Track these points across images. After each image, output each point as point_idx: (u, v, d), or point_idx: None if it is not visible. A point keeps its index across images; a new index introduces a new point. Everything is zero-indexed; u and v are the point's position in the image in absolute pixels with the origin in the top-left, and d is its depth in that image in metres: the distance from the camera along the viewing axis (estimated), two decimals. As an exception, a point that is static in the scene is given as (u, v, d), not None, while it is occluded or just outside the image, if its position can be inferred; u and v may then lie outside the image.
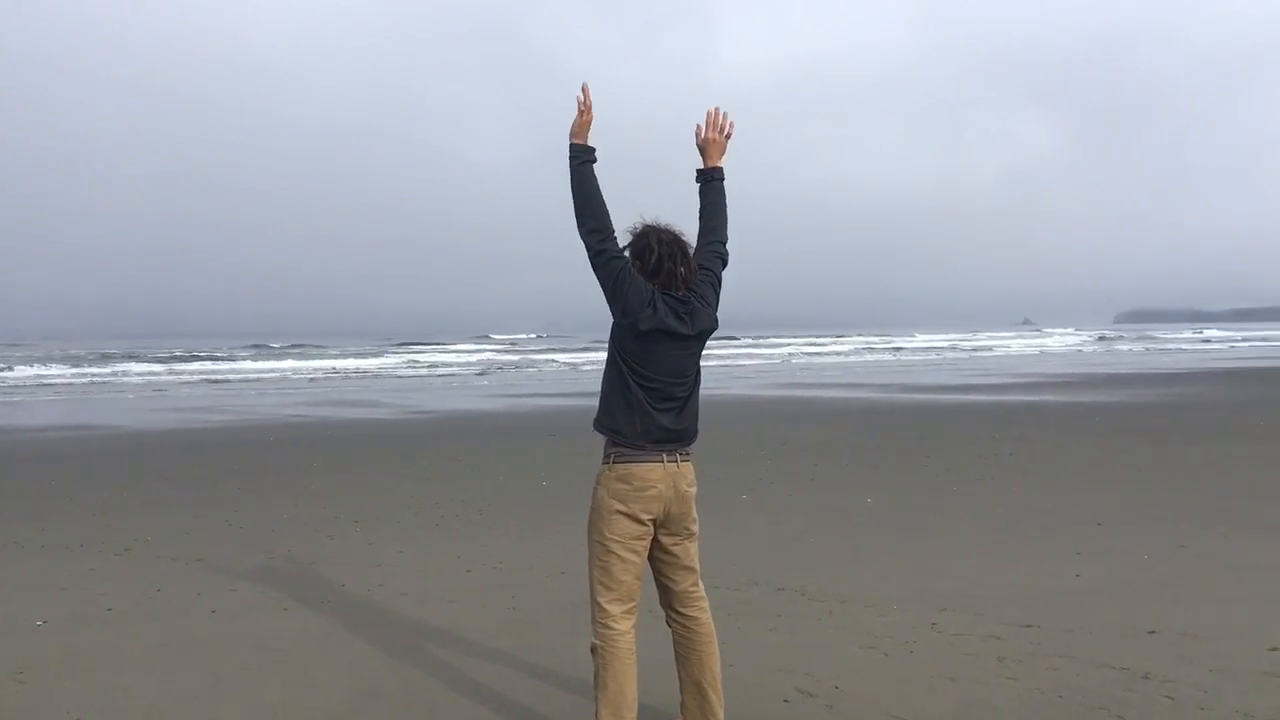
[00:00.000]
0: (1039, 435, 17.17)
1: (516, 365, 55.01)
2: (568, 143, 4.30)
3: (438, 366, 53.24)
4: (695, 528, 4.39)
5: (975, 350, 71.16)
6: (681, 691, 4.50)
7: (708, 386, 34.96)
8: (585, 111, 4.30)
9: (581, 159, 4.28)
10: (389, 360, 57.52)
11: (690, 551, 4.41)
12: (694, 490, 4.32)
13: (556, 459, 15.23)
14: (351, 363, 55.25)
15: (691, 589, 4.44)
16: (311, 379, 43.15)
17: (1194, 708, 4.80)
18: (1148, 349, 70.67)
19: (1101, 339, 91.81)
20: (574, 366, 55.66)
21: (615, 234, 4.23)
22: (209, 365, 50.91)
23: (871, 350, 71.29)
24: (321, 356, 62.14)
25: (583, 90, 4.30)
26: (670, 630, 4.48)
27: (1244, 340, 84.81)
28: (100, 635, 6.41)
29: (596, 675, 4.24)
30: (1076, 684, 5.14)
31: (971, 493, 11.19)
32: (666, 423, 4.22)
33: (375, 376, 45.86)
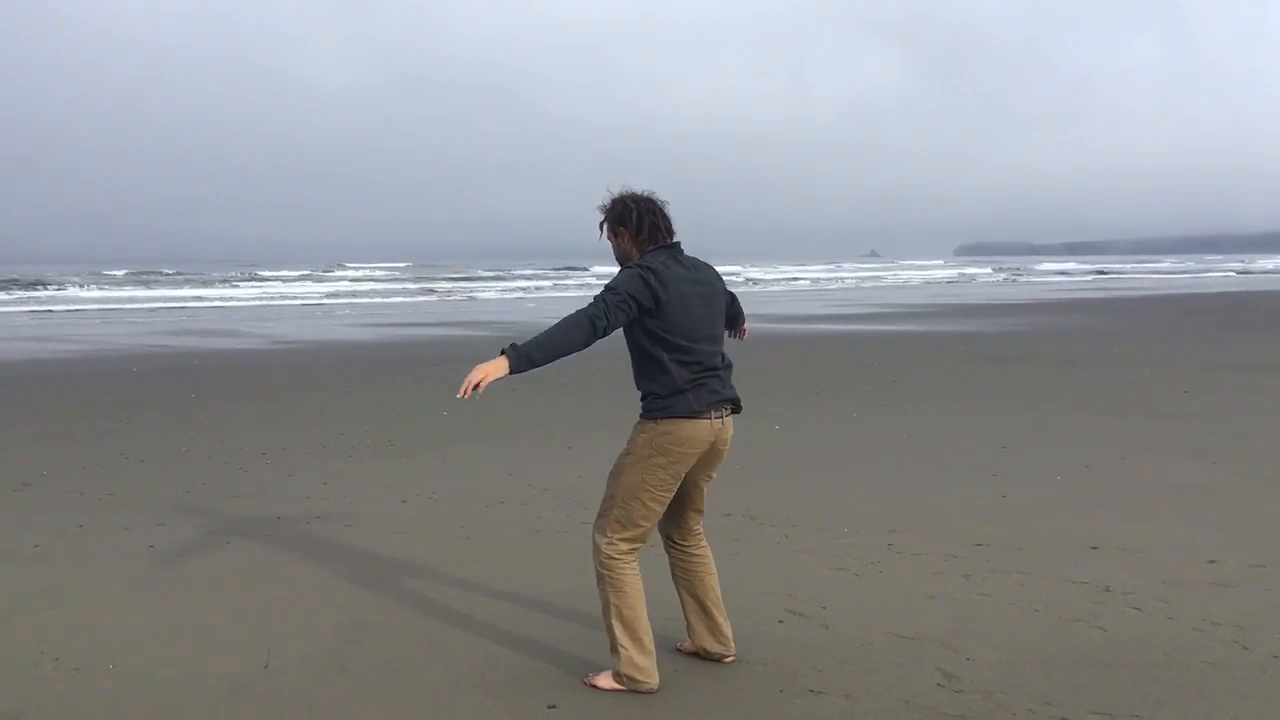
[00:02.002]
0: (915, 363, 17.71)
1: (381, 295, 53.91)
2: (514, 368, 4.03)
3: (294, 297, 51.78)
4: (715, 475, 4.41)
5: (822, 281, 72.96)
6: (686, 614, 4.52)
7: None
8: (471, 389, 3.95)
9: (527, 362, 4.05)
10: (241, 290, 55.59)
11: (704, 494, 4.46)
12: (729, 445, 4.31)
13: (447, 388, 14.99)
14: (198, 291, 53.22)
15: (695, 527, 4.50)
16: (156, 309, 41.43)
17: (1162, 618, 5.05)
18: (1011, 280, 73.43)
19: (959, 272, 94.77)
20: (440, 296, 54.88)
21: (601, 317, 4.03)
22: (38, 293, 48.40)
23: (731, 283, 72.11)
24: (168, 284, 59.67)
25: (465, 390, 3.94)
26: (668, 556, 4.51)
27: (1092, 275, 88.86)
28: (45, 574, 6.07)
29: (608, 606, 4.22)
30: (1047, 598, 5.35)
31: (869, 420, 11.48)
32: (716, 387, 4.21)
33: (227, 306, 44.36)
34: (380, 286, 60.92)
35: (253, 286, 59.08)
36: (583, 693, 4.21)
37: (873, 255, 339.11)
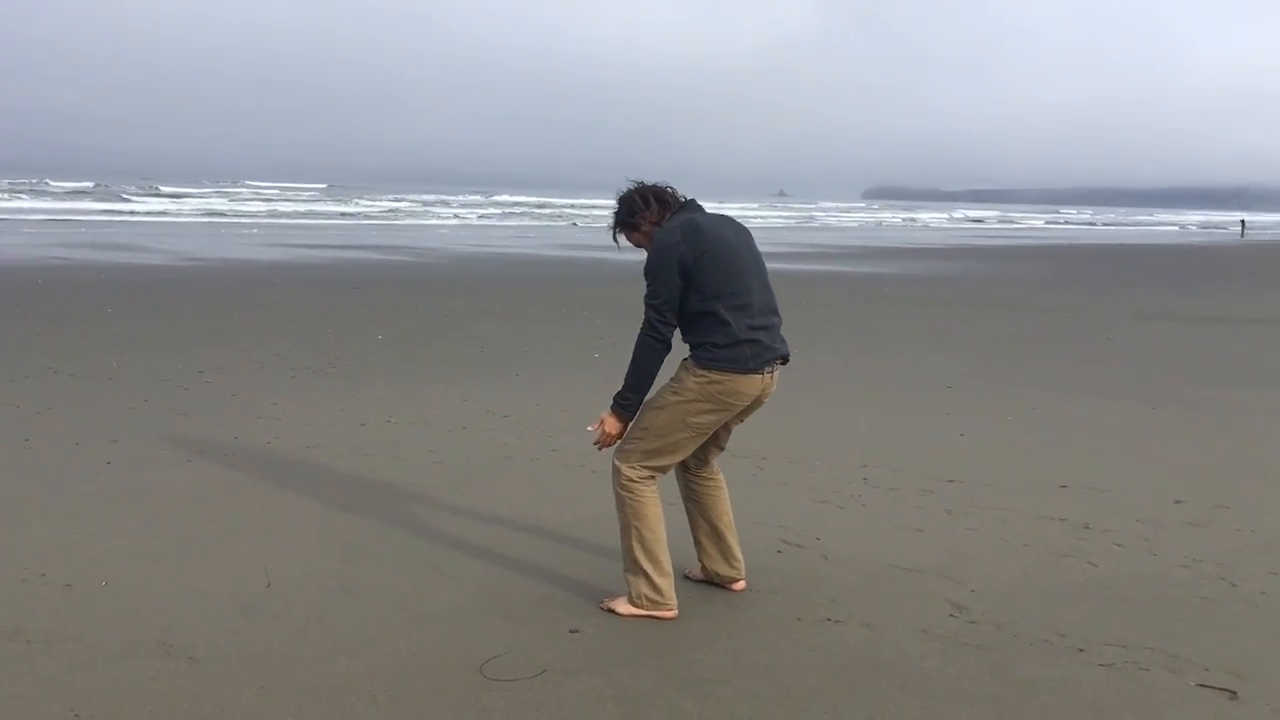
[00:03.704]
0: (845, 305, 17.88)
1: (291, 216, 52.62)
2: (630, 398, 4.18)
3: (198, 213, 50.23)
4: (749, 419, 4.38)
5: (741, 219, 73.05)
6: (698, 537, 4.50)
7: (498, 244, 34.40)
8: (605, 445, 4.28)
9: (632, 407, 4.18)
10: (143, 204, 53.70)
11: (730, 434, 4.45)
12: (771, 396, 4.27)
13: (377, 313, 14.73)
14: (89, 204, 51.25)
15: (714, 460, 4.50)
16: (47, 222, 39.85)
17: (1145, 554, 5.17)
18: (925, 225, 74.43)
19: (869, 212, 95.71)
20: (350, 218, 53.82)
21: (658, 330, 4.05)
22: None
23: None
24: (60, 197, 57.36)
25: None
26: (680, 482, 4.49)
27: (998, 221, 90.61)
28: (4, 486, 5.80)
29: (628, 528, 4.18)
30: (1033, 534, 5.44)
31: (810, 358, 11.55)
32: (769, 342, 4.14)
33: (126, 221, 42.89)
34: (302, 208, 59.57)
35: (157, 201, 57.21)
36: (603, 617, 4.16)
37: (781, 195, 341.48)
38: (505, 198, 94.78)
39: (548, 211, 72.21)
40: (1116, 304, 19.47)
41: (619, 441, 4.25)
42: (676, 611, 4.16)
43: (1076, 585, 4.72)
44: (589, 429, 4.30)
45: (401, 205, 68.89)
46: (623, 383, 4.14)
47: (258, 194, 78.16)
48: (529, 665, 3.71)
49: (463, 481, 6.21)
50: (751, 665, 3.78)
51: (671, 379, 4.16)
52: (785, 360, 4.23)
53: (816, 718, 3.40)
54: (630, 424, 4.20)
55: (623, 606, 4.19)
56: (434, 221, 54.77)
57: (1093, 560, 5.06)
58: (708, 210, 4.28)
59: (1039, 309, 18.22)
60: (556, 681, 3.60)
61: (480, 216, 62.24)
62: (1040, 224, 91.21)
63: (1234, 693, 3.65)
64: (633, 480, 4.19)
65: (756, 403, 4.20)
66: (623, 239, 4.34)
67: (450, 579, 4.58)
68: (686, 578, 4.57)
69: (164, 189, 73.47)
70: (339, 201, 70.42)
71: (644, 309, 4.04)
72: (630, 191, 4.29)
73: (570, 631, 4.03)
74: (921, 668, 3.80)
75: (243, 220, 46.89)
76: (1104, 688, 3.67)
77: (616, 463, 4.22)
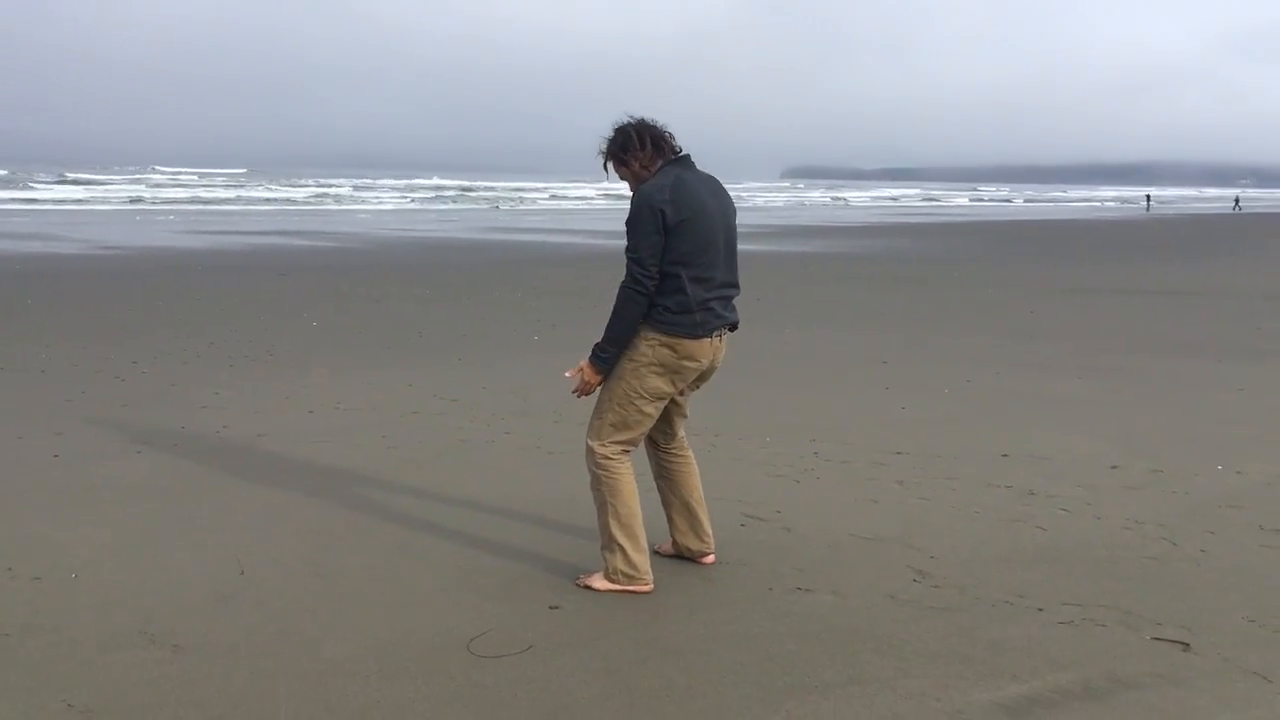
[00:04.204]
0: (772, 283, 18.08)
1: (212, 202, 51.61)
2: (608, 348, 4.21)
3: (119, 200, 49.05)
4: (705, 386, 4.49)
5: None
6: (668, 512, 4.59)
7: (423, 229, 34.11)
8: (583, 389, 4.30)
9: (607, 358, 4.21)
10: (53, 192, 52.27)
11: (688, 401, 4.54)
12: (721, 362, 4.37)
13: (308, 299, 14.61)
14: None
15: (679, 431, 4.58)
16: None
17: (1090, 518, 5.38)
18: (845, 204, 75.18)
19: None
20: (272, 204, 52.97)
21: (640, 283, 4.08)
22: None
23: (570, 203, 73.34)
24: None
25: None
26: (654, 459, 4.57)
27: (920, 200, 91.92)
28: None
29: (604, 505, 4.26)
30: (982, 501, 5.62)
31: (749, 337, 11.68)
32: (721, 311, 4.25)
33: (39, 209, 41.78)
34: (227, 194, 58.59)
35: (68, 189, 55.73)
36: (581, 594, 4.24)
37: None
38: (423, 181, 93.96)
39: (471, 195, 71.93)
40: (1037, 278, 19.96)
41: (591, 418, 4.33)
42: (652, 585, 4.26)
43: (1028, 549, 4.91)
44: (567, 375, 4.32)
45: (324, 190, 67.98)
46: (602, 334, 4.18)
47: (174, 180, 76.54)
48: (515, 642, 3.78)
49: (421, 466, 6.24)
50: (731, 635, 3.89)
51: (628, 348, 4.25)
52: (734, 327, 4.34)
53: (800, 681, 3.52)
54: (599, 390, 4.28)
55: (599, 582, 4.28)
56: (355, 207, 54.13)
57: (1041, 524, 5.26)
58: (698, 170, 4.30)
59: (965, 285, 18.62)
60: (544, 656, 3.67)
61: (402, 200, 61.69)
62: (963, 202, 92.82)
63: (1186, 645, 3.85)
64: (607, 458, 4.27)
65: (710, 369, 4.30)
66: (611, 170, 4.33)
67: (423, 561, 4.62)
68: (657, 552, 4.65)
69: (72, 176, 71.48)
70: (259, 187, 69.29)
71: (625, 261, 4.08)
72: (628, 126, 4.27)
73: (550, 608, 4.11)
74: (893, 631, 3.94)
75: (160, 208, 45.90)
76: (1065, 644, 3.84)
77: (590, 442, 4.30)
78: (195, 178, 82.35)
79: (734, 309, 4.34)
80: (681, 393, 4.43)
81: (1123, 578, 4.54)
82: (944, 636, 3.90)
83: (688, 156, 4.30)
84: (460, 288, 16.70)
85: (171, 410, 7.61)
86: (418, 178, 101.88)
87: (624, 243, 4.15)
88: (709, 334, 4.20)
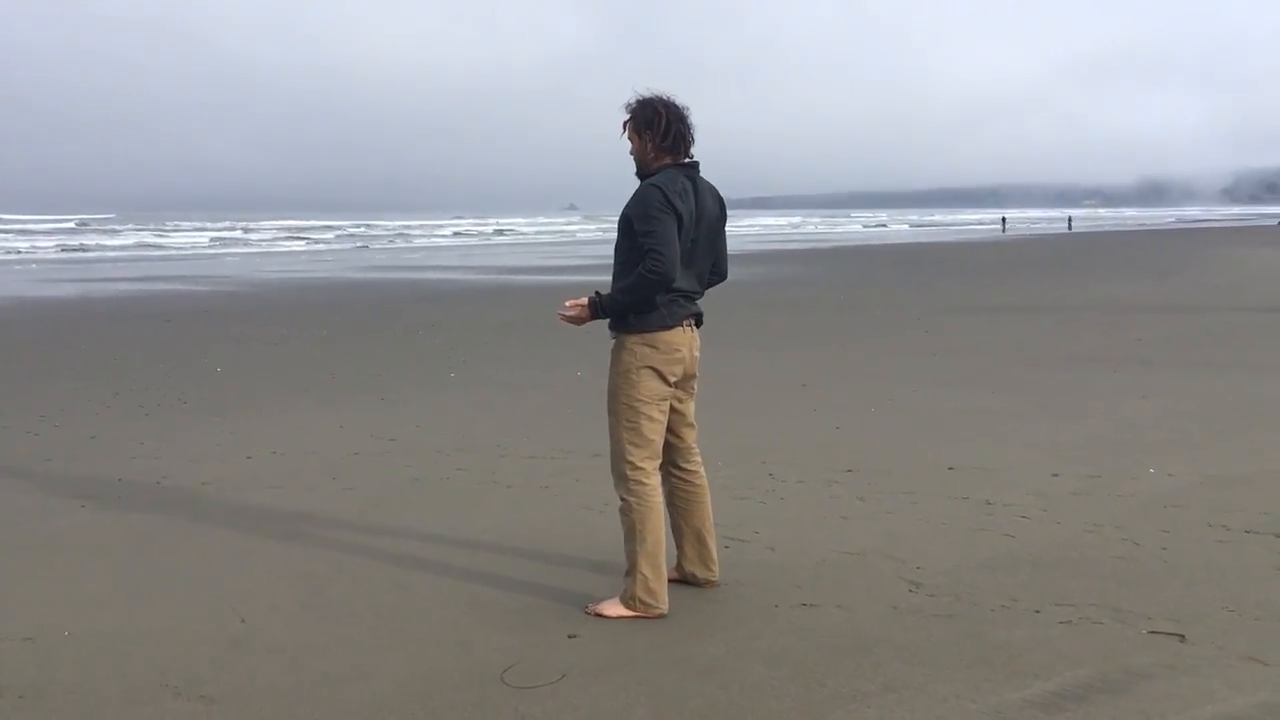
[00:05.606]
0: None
1: (70, 250, 49.68)
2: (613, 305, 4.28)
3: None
4: (696, 386, 4.55)
5: (532, 234, 73.75)
6: (680, 542, 4.64)
7: (299, 270, 33.41)
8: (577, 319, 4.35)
9: (604, 311, 4.30)
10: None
11: (692, 408, 4.61)
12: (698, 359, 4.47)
13: (202, 344, 14.24)
14: None
15: (693, 444, 4.62)
16: None
17: (1051, 524, 5.61)
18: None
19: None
20: (132, 249, 51.35)
21: (660, 273, 4.14)
22: None
23: (469, 234, 74.35)
24: None
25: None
26: (669, 485, 4.59)
27: (791, 228, 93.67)
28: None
29: (633, 531, 4.29)
30: (945, 513, 5.81)
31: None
32: (684, 304, 4.37)
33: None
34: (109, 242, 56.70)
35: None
36: (595, 621, 4.26)
37: (572, 208, 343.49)
38: (293, 222, 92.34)
39: (341, 234, 71.00)
40: (921, 299, 20.60)
41: (610, 455, 4.38)
42: (667, 611, 4.30)
43: (1004, 555, 5.10)
44: (568, 303, 4.33)
45: (186, 234, 66.24)
46: (613, 292, 4.25)
47: (14, 226, 73.54)
48: (547, 671, 3.78)
49: (384, 505, 6.16)
50: (755, 651, 3.96)
51: (610, 369, 4.35)
52: (699, 320, 4.44)
53: (837, 692, 3.61)
54: (608, 424, 4.34)
55: (611, 609, 4.30)
56: (224, 250, 52.83)
57: (1007, 532, 5.46)
58: (703, 180, 4.40)
59: (850, 308, 19.12)
60: (582, 684, 3.68)
61: (269, 241, 60.53)
62: (825, 228, 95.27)
63: (1182, 636, 4.06)
64: (640, 482, 4.30)
65: (694, 363, 4.42)
66: (625, 131, 4.36)
67: (424, 598, 4.58)
68: (659, 577, 4.71)
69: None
70: (111, 232, 67.17)
71: (646, 253, 4.11)
72: (660, 108, 4.28)
73: (569, 637, 4.12)
74: (908, 640, 4.06)
75: (11, 258, 44.04)
76: (1072, 643, 4.01)
77: (618, 468, 4.34)
78: (36, 224, 79.28)
79: (698, 306, 4.45)
80: (680, 399, 4.49)
81: (1101, 577, 4.75)
82: (956, 642, 4.04)
83: (697, 163, 4.39)
84: (357, 328, 16.46)
85: (101, 463, 7.35)
86: (286, 218, 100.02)
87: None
88: (679, 322, 4.31)
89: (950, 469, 6.83)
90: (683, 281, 4.31)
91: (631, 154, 4.39)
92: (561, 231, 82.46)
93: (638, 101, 4.34)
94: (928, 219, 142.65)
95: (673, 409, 4.47)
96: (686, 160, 4.36)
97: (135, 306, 20.51)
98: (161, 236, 64.18)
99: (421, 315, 18.17)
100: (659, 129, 4.28)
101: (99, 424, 8.79)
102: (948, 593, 4.57)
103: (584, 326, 4.49)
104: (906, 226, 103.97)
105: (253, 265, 37.81)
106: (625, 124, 4.37)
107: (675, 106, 4.33)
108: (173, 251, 50.86)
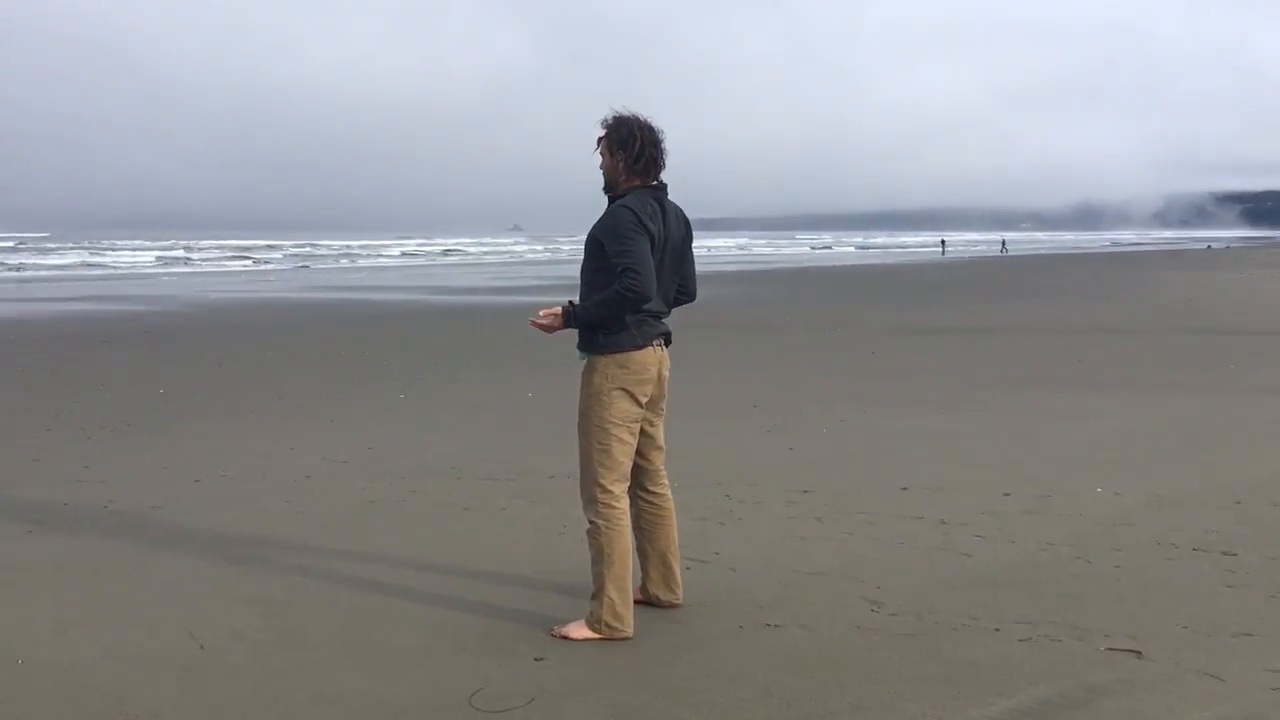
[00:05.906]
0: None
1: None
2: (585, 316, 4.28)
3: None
4: (665, 408, 4.56)
5: (477, 254, 73.57)
6: (644, 564, 4.65)
7: (240, 289, 33.04)
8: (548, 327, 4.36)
9: (577, 321, 4.29)
10: None
11: (662, 431, 4.60)
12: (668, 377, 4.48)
13: (144, 366, 14.04)
14: None
15: (661, 466, 4.63)
16: None
17: (1005, 542, 5.69)
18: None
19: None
20: (66, 269, 50.42)
21: (635, 291, 4.15)
22: None
23: (416, 255, 74.51)
24: None
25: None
26: (636, 508, 4.59)
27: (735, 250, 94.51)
28: None
29: (600, 554, 4.29)
30: (901, 533, 5.87)
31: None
32: (654, 323, 4.40)
33: None
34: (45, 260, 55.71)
35: None
36: (564, 644, 4.24)
37: (516, 229, 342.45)
38: (232, 241, 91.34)
39: (281, 254, 70.43)
40: (866, 320, 20.83)
41: (579, 477, 4.39)
42: (632, 634, 4.30)
43: (962, 574, 5.16)
44: (541, 312, 4.34)
45: (122, 254, 65.25)
46: (588, 304, 4.25)
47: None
48: (515, 695, 3.76)
49: (339, 529, 6.09)
50: (720, 672, 3.97)
51: (580, 390, 4.36)
52: (668, 340, 4.46)
53: (808, 713, 3.63)
54: (579, 446, 4.34)
55: (577, 631, 4.29)
56: (161, 270, 52.10)
57: (964, 551, 5.53)
58: (670, 202, 4.43)
59: (800, 329, 19.27)
60: (554, 705, 3.67)
61: (209, 261, 59.86)
62: (772, 250, 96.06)
63: (1139, 653, 4.13)
64: (609, 505, 4.31)
65: (664, 384, 4.43)
66: (598, 147, 4.38)
67: (385, 622, 4.53)
68: (620, 599, 4.70)
69: None
70: (41, 253, 66.06)
71: (621, 272, 4.12)
72: (636, 130, 4.30)
73: (535, 659, 4.10)
74: (872, 659, 4.09)
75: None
76: (1033, 660, 4.06)
77: (588, 491, 4.35)
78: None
79: (666, 325, 4.47)
80: (651, 421, 4.50)
81: (1057, 595, 4.82)
82: (919, 661, 4.08)
83: (664, 186, 4.42)
84: (303, 348, 16.31)
85: (46, 487, 7.20)
86: (229, 238, 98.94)
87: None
88: (649, 341, 4.33)
89: (904, 489, 6.90)
90: (657, 304, 4.34)
91: (601, 169, 4.41)
92: (510, 252, 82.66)
93: (614, 119, 4.37)
94: (871, 240, 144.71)
95: (643, 431, 4.48)
96: (655, 183, 4.38)
97: (68, 328, 20.14)
98: (100, 255, 63.15)
99: (368, 335, 18.04)
100: (632, 151, 4.31)
101: (42, 448, 8.61)
102: (909, 612, 4.61)
103: (552, 334, 4.45)
104: (852, 249, 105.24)
105: (196, 285, 37.33)
106: (599, 140, 4.39)
107: (651, 130, 4.37)
108: (113, 271, 50.05)
